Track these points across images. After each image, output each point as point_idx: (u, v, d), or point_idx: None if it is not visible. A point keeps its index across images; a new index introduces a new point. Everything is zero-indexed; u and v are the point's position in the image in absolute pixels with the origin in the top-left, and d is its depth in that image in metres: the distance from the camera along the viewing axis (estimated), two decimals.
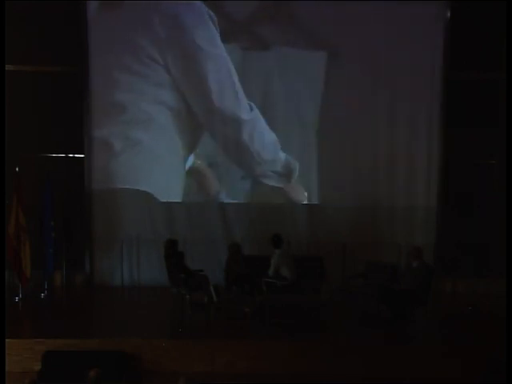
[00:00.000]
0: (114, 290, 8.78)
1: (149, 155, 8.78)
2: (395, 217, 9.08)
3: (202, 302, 7.18)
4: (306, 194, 9.08)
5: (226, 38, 8.67)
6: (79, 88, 8.72)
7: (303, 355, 6.41)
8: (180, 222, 8.99)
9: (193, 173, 8.99)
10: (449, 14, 8.73)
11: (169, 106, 8.74)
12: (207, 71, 8.57)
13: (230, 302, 7.30)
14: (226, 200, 9.04)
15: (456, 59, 8.73)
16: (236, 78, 8.66)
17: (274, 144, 8.88)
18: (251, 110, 8.75)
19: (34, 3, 8.46)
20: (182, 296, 7.15)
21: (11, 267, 8.01)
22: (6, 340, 6.01)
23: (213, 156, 8.97)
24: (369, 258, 8.17)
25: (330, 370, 6.31)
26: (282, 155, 8.91)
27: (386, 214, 9.07)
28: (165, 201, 8.94)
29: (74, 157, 8.88)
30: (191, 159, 8.97)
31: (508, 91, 7.12)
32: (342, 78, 8.75)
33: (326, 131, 8.89)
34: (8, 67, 8.13)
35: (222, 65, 8.63)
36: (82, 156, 8.85)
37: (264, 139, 8.84)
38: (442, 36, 8.77)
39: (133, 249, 8.96)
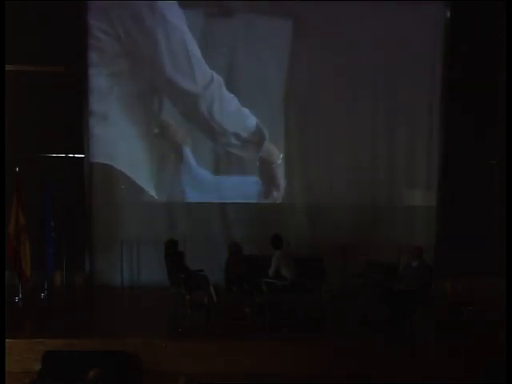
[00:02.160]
0: (114, 290, 8.79)
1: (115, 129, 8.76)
2: (395, 217, 9.08)
3: (202, 302, 7.18)
4: (280, 155, 8.89)
5: (188, 3, 8.52)
6: (79, 88, 8.71)
7: (303, 355, 6.41)
8: (180, 222, 9.00)
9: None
10: (449, 14, 8.74)
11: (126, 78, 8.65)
12: (158, 41, 8.41)
13: (230, 302, 7.30)
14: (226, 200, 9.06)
15: (456, 59, 8.73)
16: (194, 49, 8.49)
17: (239, 112, 8.69)
18: (212, 80, 8.55)
19: (34, 3, 8.46)
20: (182, 296, 7.15)
21: (11, 267, 7.99)
22: (6, 340, 5.99)
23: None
24: (369, 258, 8.18)
25: (330, 370, 6.31)
26: (251, 122, 8.73)
27: (386, 214, 9.07)
28: (164, 199, 8.99)
29: (74, 157, 8.89)
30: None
31: (508, 91, 7.12)
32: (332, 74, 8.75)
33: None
34: (8, 67, 8.11)
35: (175, 34, 8.47)
36: (82, 156, 8.86)
37: (226, 109, 8.66)
38: (441, 36, 8.78)
39: (133, 249, 8.97)
